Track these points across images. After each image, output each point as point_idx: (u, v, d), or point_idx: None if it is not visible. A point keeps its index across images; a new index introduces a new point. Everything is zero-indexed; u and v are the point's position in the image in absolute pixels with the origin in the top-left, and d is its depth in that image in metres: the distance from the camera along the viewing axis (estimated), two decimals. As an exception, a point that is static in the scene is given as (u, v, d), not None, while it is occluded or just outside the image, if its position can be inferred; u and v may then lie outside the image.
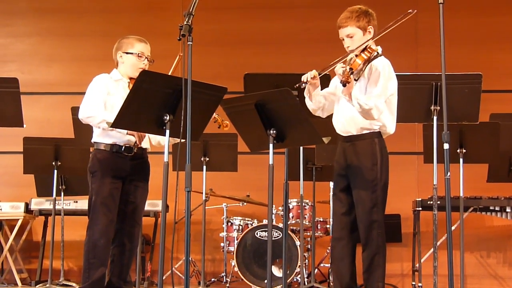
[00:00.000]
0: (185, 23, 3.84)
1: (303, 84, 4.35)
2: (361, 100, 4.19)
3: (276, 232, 6.48)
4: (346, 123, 4.41)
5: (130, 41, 4.81)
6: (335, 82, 4.57)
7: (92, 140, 4.78)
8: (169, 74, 4.75)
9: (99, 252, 4.62)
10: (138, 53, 4.77)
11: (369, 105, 4.20)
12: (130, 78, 4.77)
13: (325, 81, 4.54)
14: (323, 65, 4.39)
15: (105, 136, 4.70)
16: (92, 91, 4.69)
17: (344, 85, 4.07)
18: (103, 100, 4.65)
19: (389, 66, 4.37)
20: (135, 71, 4.73)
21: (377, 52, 4.26)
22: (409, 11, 4.24)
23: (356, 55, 4.25)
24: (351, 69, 4.05)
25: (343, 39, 4.44)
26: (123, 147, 4.70)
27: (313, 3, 7.64)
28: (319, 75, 4.35)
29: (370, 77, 4.30)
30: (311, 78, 4.33)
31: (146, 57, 4.79)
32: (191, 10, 3.90)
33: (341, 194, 4.48)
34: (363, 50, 4.26)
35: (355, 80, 4.21)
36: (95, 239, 4.62)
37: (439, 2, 4.07)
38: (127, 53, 4.78)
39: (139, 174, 4.80)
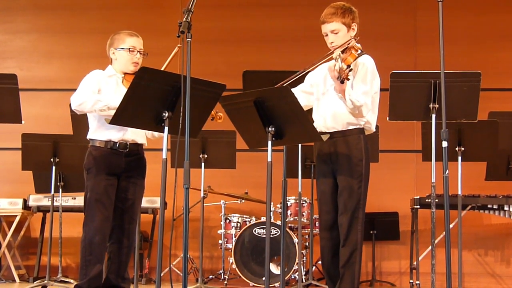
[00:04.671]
0: (184, 20, 3.84)
1: None
2: (353, 97, 4.21)
3: (274, 229, 6.49)
4: (330, 119, 4.42)
5: (121, 37, 4.79)
6: (310, 80, 4.61)
7: (88, 137, 4.77)
8: (165, 64, 4.75)
9: (95, 249, 4.61)
10: (129, 48, 4.75)
11: (360, 102, 4.22)
12: (125, 74, 4.76)
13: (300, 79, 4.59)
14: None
15: (100, 132, 4.70)
16: (83, 83, 4.68)
17: (342, 82, 4.08)
18: (93, 91, 4.63)
19: (374, 64, 4.39)
20: (129, 66, 4.75)
21: (361, 50, 4.28)
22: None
23: (343, 52, 4.26)
24: (348, 66, 4.06)
25: (327, 35, 4.45)
26: (118, 143, 4.69)
27: (313, 1, 7.65)
28: (304, 72, 4.39)
29: (356, 74, 4.31)
30: None
31: (138, 51, 4.78)
32: (190, 7, 3.90)
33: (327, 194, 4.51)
34: (350, 48, 4.28)
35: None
36: (90, 236, 4.61)
37: (438, 0, 4.07)
38: (118, 49, 4.77)
39: (135, 171, 4.79)
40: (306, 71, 4.50)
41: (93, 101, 4.51)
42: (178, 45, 4.74)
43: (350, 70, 4.05)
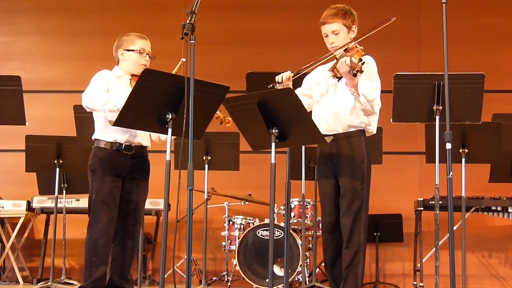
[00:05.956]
0: (188, 21, 3.84)
1: (277, 85, 4.38)
2: (365, 92, 4.21)
3: (278, 231, 6.48)
4: (332, 121, 4.43)
5: (130, 38, 4.80)
6: (308, 83, 4.61)
7: (93, 137, 4.77)
8: (174, 70, 4.76)
9: (100, 251, 4.61)
10: (140, 50, 4.76)
11: (372, 96, 4.23)
12: (132, 75, 4.76)
13: (298, 82, 4.59)
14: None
15: (106, 133, 4.70)
16: (93, 81, 4.67)
17: (354, 75, 4.07)
18: (103, 89, 4.62)
19: (375, 64, 4.40)
20: (137, 68, 4.75)
21: (362, 50, 4.30)
22: (391, 18, 4.26)
23: (346, 50, 4.27)
24: (360, 59, 4.06)
25: (327, 36, 4.47)
26: (123, 145, 4.69)
27: (316, 2, 7.64)
28: (296, 75, 4.40)
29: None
30: (286, 79, 4.36)
31: (147, 54, 4.79)
32: (194, 8, 3.90)
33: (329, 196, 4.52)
34: (353, 48, 4.29)
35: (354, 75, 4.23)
36: (95, 238, 4.61)
37: (442, 1, 4.07)
38: (128, 50, 4.78)
39: (139, 173, 4.79)
40: (306, 70, 4.49)
41: (104, 100, 4.51)
42: (183, 59, 4.74)
43: (363, 63, 4.05)
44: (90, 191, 4.69)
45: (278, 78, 4.39)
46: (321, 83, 4.54)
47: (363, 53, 4.23)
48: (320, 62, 4.45)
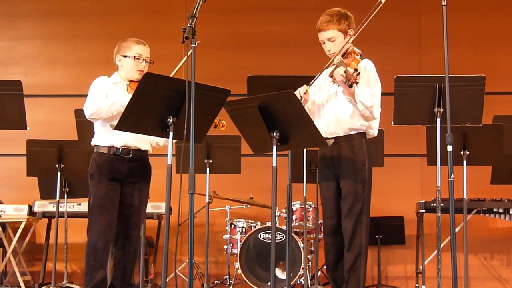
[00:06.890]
0: (188, 25, 3.85)
1: None
2: (363, 99, 4.22)
3: (280, 234, 6.48)
4: (333, 125, 4.43)
5: (127, 44, 4.81)
6: (313, 88, 4.61)
7: (92, 143, 4.79)
8: (175, 70, 4.76)
9: (99, 254, 4.62)
10: (135, 55, 4.77)
11: (370, 103, 4.23)
12: (130, 81, 4.77)
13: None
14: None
15: (103, 138, 4.71)
16: (92, 91, 4.71)
17: (350, 86, 4.09)
18: (104, 97, 4.65)
19: (375, 68, 4.39)
20: (134, 74, 4.77)
21: (361, 54, 4.29)
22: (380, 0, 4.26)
23: (344, 57, 4.26)
24: (355, 70, 4.06)
25: (324, 43, 4.47)
26: (120, 149, 4.70)
27: (317, 5, 7.63)
28: (310, 86, 4.40)
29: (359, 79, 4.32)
30: (304, 93, 4.37)
31: (144, 59, 4.79)
32: (194, 12, 3.91)
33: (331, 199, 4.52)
34: (350, 53, 4.29)
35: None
36: (94, 241, 4.63)
37: (443, 4, 4.08)
38: (124, 56, 4.79)
39: (138, 176, 4.80)
40: (312, 82, 4.49)
41: (109, 104, 4.54)
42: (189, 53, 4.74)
43: (358, 73, 4.05)
44: (89, 195, 4.72)
45: (296, 94, 4.38)
46: (322, 87, 4.55)
47: (360, 60, 4.23)
48: (314, 80, 4.47)
